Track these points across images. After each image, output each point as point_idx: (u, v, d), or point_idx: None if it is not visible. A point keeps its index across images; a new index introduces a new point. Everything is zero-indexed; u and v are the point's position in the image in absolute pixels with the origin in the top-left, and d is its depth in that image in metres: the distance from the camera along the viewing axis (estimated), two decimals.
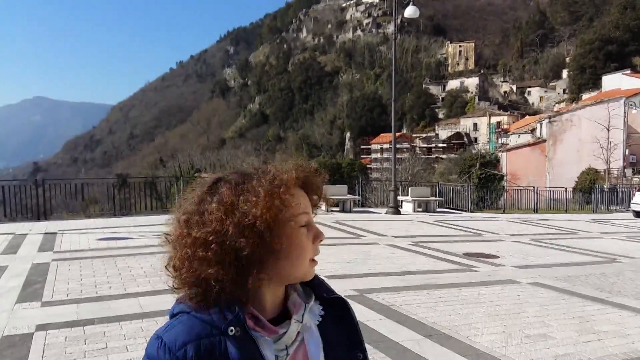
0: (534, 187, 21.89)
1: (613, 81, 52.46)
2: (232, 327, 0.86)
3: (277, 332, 0.91)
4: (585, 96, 61.79)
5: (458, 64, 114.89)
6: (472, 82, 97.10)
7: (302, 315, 0.95)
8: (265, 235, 0.86)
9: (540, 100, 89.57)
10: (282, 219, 0.89)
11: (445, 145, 78.66)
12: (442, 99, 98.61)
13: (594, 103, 42.40)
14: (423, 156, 57.70)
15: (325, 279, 1.08)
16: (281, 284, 0.95)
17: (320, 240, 0.95)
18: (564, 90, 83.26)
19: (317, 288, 1.02)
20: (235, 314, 0.87)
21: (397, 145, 20.10)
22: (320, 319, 0.98)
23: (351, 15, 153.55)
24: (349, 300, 1.09)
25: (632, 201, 20.39)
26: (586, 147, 36.51)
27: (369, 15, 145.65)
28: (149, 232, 10.27)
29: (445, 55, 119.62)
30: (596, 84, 62.74)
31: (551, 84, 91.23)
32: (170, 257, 0.92)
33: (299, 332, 0.94)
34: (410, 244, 9.61)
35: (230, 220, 0.86)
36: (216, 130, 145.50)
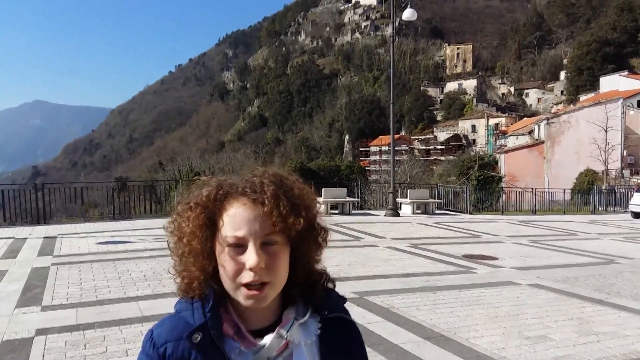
0: (532, 188, 21.94)
1: (610, 82, 52.62)
2: (196, 335, 0.90)
3: (255, 344, 0.91)
4: (582, 98, 61.91)
5: (456, 66, 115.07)
6: (470, 84, 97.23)
7: (287, 331, 0.91)
8: (197, 249, 0.92)
9: (538, 102, 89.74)
10: (209, 233, 0.92)
11: (443, 147, 78.72)
12: (440, 101, 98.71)
13: (592, 104, 42.50)
14: (422, 158, 57.71)
15: (337, 293, 1.03)
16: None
17: (251, 269, 0.86)
18: (562, 92, 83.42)
19: (321, 304, 0.97)
20: (203, 322, 0.90)
21: (396, 148, 20.14)
22: (314, 338, 0.95)
23: (349, 18, 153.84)
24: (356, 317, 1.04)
25: (630, 202, 20.43)
26: (584, 149, 36.59)
27: (367, 18, 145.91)
28: (148, 235, 10.28)
29: (443, 58, 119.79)
30: (594, 86, 62.91)
31: (549, 85, 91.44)
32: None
33: (287, 347, 0.92)
34: (409, 246, 9.62)
35: (175, 224, 0.96)
36: (215, 134, 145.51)
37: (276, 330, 0.92)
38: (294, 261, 0.94)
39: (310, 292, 0.97)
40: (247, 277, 0.87)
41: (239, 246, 0.88)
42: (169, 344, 0.91)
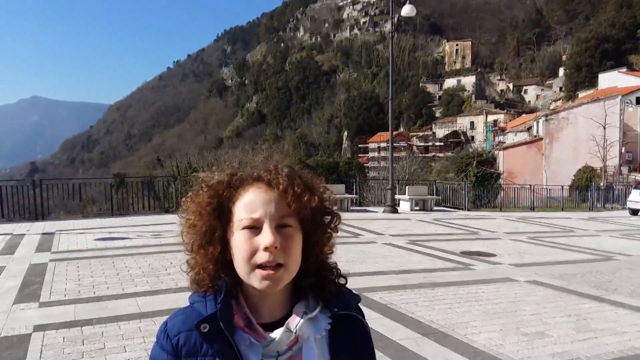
0: (530, 185, 21.97)
1: (609, 79, 52.61)
2: (204, 325, 0.90)
3: (266, 337, 0.91)
4: (581, 94, 61.86)
5: (455, 62, 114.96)
6: (468, 81, 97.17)
7: (296, 325, 0.92)
8: (207, 233, 0.93)
9: (537, 99, 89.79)
10: (219, 220, 0.93)
11: (442, 143, 78.69)
12: (439, 97, 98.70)
13: (590, 101, 42.53)
14: (420, 155, 57.80)
15: (350, 290, 1.03)
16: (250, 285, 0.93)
17: (266, 248, 0.87)
18: (561, 89, 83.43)
19: (332, 300, 0.98)
20: (212, 312, 0.91)
21: (395, 144, 20.14)
22: (323, 333, 0.95)
23: (348, 14, 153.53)
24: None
25: (628, 199, 20.48)
26: (582, 145, 36.65)
27: (366, 14, 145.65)
28: (146, 232, 10.27)
29: (442, 54, 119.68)
30: (592, 82, 62.87)
31: (547, 82, 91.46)
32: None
33: (297, 342, 0.92)
34: (407, 243, 9.63)
35: (187, 213, 0.97)
36: (213, 130, 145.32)
37: (285, 324, 0.92)
38: (307, 249, 0.94)
39: (321, 286, 0.98)
40: (262, 257, 0.88)
41: (254, 228, 0.89)
42: (182, 335, 0.92)
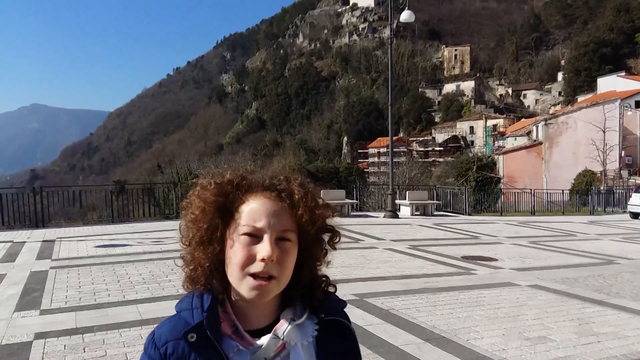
0: (530, 189, 21.97)
1: (608, 83, 52.82)
2: (191, 334, 0.90)
3: (253, 344, 0.91)
4: (580, 98, 62.09)
5: (454, 67, 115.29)
6: (467, 86, 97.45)
7: (284, 332, 0.92)
8: (208, 231, 0.93)
9: (536, 103, 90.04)
10: (221, 219, 0.92)
11: (442, 148, 78.74)
12: (439, 102, 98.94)
13: (590, 105, 42.64)
14: (420, 160, 57.80)
15: (337, 296, 1.04)
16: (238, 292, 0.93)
17: (263, 259, 0.87)
18: (560, 93, 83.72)
19: (319, 306, 0.99)
20: (199, 321, 0.91)
21: (394, 149, 20.14)
22: (310, 339, 0.96)
23: (347, 21, 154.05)
24: (352, 320, 1.05)
25: (628, 202, 20.47)
26: (582, 149, 36.72)
27: (365, 20, 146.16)
28: (147, 238, 10.26)
29: (441, 59, 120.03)
30: (591, 86, 63.10)
31: (546, 86, 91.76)
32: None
33: (284, 348, 0.92)
34: (408, 248, 9.62)
35: (189, 212, 0.96)
36: (214, 136, 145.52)
37: (273, 330, 0.92)
38: (301, 262, 0.95)
39: (309, 295, 0.99)
40: (256, 267, 0.88)
41: (254, 237, 0.89)
42: (170, 344, 0.92)
